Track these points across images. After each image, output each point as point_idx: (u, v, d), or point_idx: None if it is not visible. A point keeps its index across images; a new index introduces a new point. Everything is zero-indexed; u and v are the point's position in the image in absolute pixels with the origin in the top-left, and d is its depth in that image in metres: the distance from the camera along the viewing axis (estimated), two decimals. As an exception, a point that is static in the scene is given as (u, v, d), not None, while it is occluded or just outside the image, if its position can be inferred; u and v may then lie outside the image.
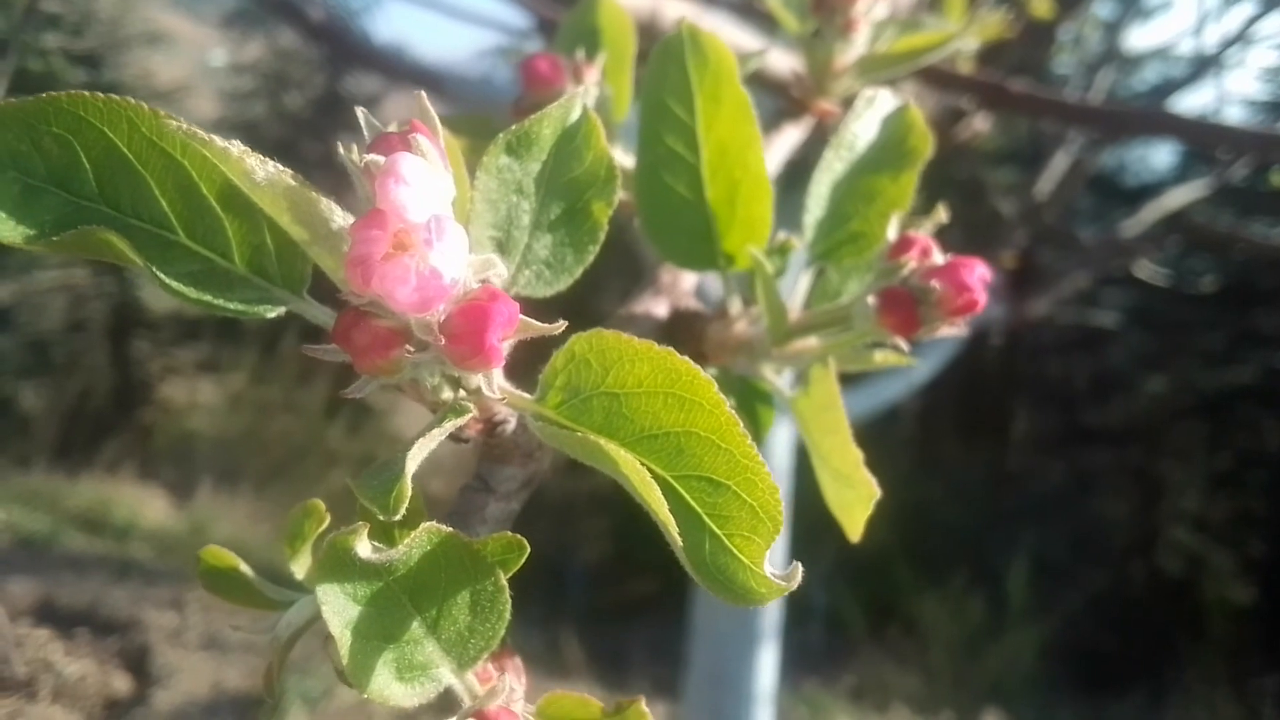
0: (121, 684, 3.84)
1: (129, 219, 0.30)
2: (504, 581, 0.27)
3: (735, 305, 0.42)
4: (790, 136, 0.58)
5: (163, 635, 4.08)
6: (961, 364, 9.87)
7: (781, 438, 3.34)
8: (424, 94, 0.28)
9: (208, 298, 0.29)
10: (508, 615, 0.27)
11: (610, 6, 0.49)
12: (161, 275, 0.28)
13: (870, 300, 0.37)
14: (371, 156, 0.25)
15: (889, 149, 0.46)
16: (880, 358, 0.38)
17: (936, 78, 1.09)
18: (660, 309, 0.44)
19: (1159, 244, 3.40)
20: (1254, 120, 8.06)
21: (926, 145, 0.45)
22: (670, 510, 0.28)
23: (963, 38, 1.43)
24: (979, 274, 0.36)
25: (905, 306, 0.36)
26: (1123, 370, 9.21)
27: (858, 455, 0.35)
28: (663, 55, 0.40)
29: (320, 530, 0.33)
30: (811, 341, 0.41)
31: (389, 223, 0.24)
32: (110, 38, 10.52)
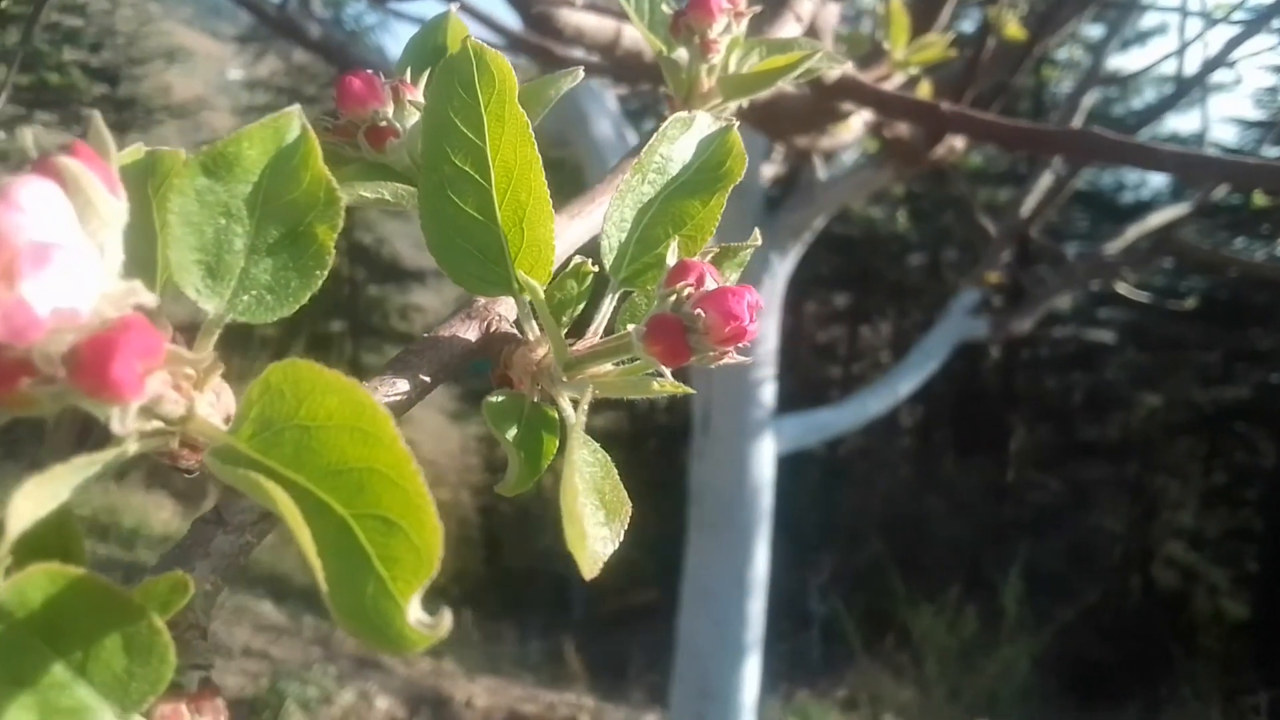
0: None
1: None
2: (160, 624, 0.26)
3: (534, 330, 0.41)
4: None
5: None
6: (959, 379, 9.89)
7: (765, 451, 3.34)
8: (98, 114, 0.27)
9: None
10: (171, 657, 0.26)
11: (458, 26, 0.48)
12: None
13: (640, 328, 0.36)
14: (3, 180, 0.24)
15: (705, 171, 0.45)
16: (657, 386, 0.37)
17: (872, 99, 1.09)
18: (470, 332, 0.43)
19: (1145, 262, 3.39)
20: (1246, 139, 8.05)
21: (741, 167, 0.44)
22: (341, 550, 0.27)
23: (904, 64, 1.42)
24: (748, 302, 0.35)
25: (673, 334, 0.35)
26: (1119, 386, 9.22)
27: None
28: (448, 73, 0.39)
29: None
30: (607, 368, 0.39)
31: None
32: (129, 53, 10.64)
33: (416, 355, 0.43)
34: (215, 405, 0.31)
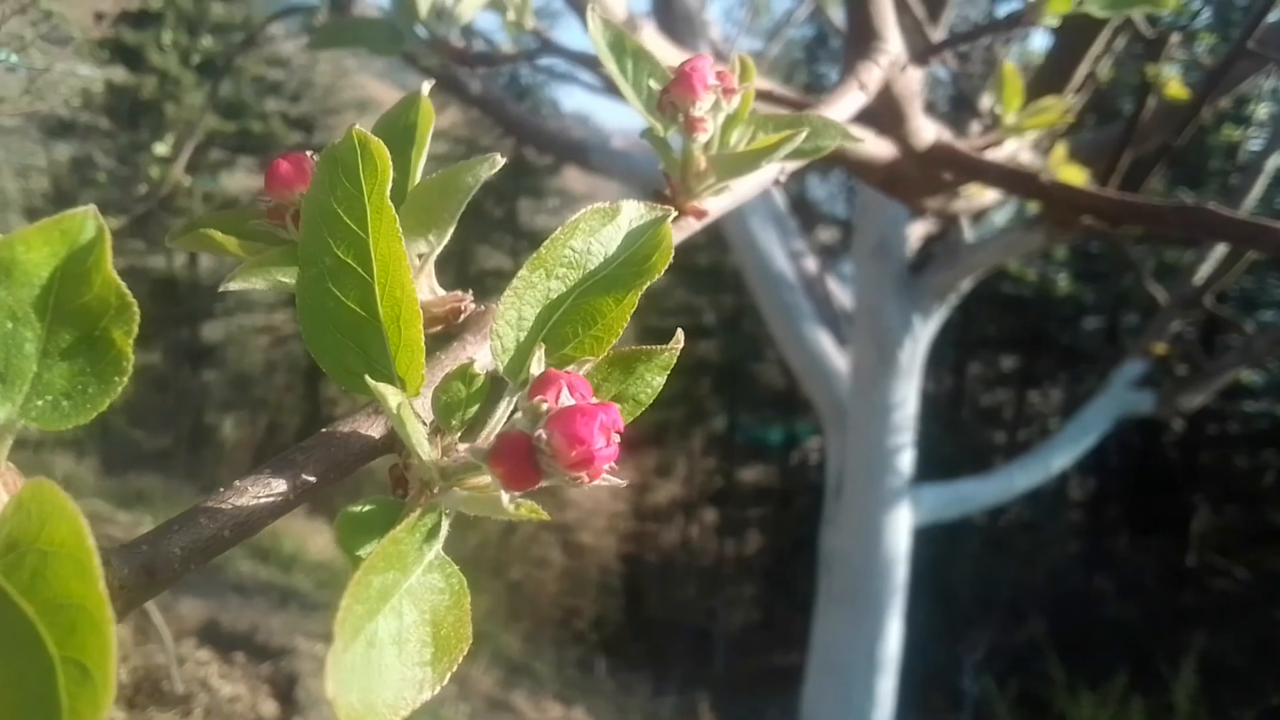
0: (269, 709, 4.02)
1: None
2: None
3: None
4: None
5: (312, 665, 4.26)
6: (1136, 453, 9.30)
7: (900, 522, 3.21)
8: None
9: None
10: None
11: (427, 108, 0.47)
12: None
13: (483, 447, 0.33)
14: None
15: (628, 266, 0.41)
16: (510, 509, 0.34)
17: (966, 166, 1.02)
18: (375, 428, 0.40)
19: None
20: None
21: (665, 262, 0.40)
22: (38, 698, 0.25)
23: (1017, 129, 1.34)
24: (600, 423, 0.31)
25: (517, 455, 0.32)
26: (1317, 469, 8.51)
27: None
28: (331, 162, 0.37)
29: None
30: (488, 479, 0.36)
31: None
32: (324, 104, 11.52)
33: (304, 453, 0.40)
34: (2, 513, 0.30)
